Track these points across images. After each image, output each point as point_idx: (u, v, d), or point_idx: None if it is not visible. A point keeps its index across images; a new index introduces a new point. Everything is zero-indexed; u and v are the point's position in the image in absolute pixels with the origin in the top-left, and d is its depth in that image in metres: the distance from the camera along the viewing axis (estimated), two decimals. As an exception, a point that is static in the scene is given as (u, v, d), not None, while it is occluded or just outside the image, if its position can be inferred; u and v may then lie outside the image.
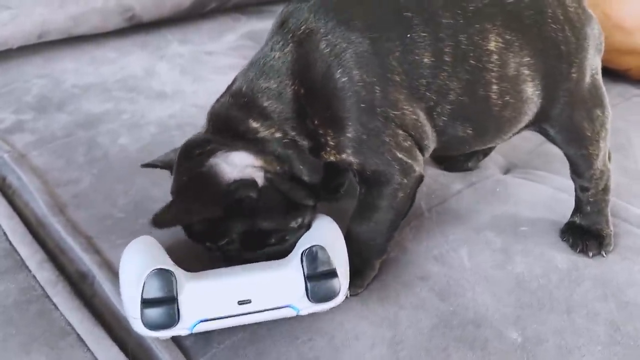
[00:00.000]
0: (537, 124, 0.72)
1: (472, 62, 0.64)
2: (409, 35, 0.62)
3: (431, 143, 0.68)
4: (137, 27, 1.23)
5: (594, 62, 0.71)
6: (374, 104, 0.62)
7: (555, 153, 0.82)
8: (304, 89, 0.63)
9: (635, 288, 0.68)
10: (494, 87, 0.66)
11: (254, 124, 0.63)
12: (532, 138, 0.98)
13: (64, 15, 1.08)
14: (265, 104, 0.63)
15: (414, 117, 0.64)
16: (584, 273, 0.70)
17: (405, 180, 0.65)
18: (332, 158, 0.64)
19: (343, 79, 0.61)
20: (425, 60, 0.63)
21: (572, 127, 0.71)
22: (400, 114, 0.63)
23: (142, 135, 0.92)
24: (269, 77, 0.64)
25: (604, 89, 0.73)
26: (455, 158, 0.88)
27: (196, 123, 0.94)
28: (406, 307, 0.64)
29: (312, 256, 0.58)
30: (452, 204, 0.81)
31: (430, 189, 0.84)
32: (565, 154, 0.75)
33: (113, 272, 0.67)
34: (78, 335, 0.60)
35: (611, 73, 1.21)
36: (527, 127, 0.73)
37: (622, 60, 1.14)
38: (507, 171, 0.92)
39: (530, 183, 0.86)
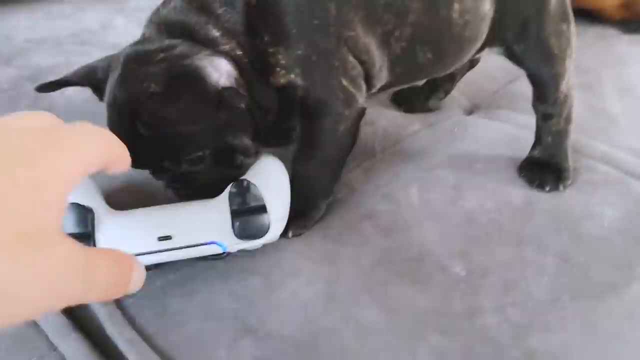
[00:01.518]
0: (503, 43, 0.69)
1: None
2: None
3: (382, 74, 0.65)
4: (94, -19, 1.19)
5: None
6: (328, 22, 0.59)
7: (521, 92, 0.79)
8: None
9: (590, 220, 0.66)
10: (456, 5, 0.63)
11: (215, 33, 0.58)
12: (498, 78, 0.95)
13: (13, -32, 1.04)
14: (220, 11, 0.58)
15: (367, 41, 0.61)
16: (538, 207, 0.67)
17: (347, 112, 0.62)
18: (281, 80, 0.60)
19: None
20: None
21: (539, 44, 0.68)
22: (354, 35, 0.60)
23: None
24: None
25: (568, 3, 0.70)
26: (414, 98, 0.85)
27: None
28: (348, 245, 0.62)
29: (239, 191, 0.56)
30: (407, 144, 0.78)
31: (386, 131, 0.80)
32: (531, 75, 0.72)
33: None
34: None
35: (586, 14, 1.18)
36: (491, 46, 0.70)
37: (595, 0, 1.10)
38: (470, 112, 0.89)
39: (491, 122, 0.83)
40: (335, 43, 0.60)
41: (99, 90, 0.59)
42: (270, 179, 0.60)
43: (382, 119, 0.82)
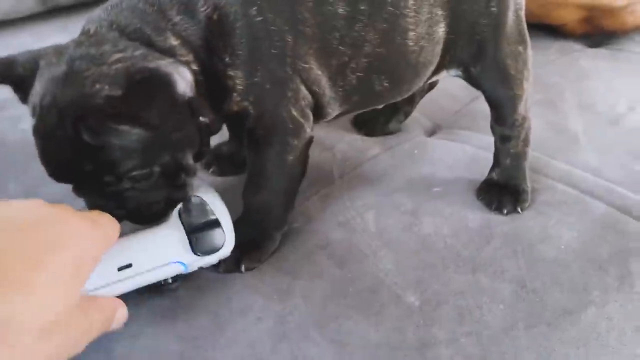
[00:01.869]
0: (460, 65, 0.69)
1: (389, 8, 0.60)
2: None
3: (335, 103, 0.64)
4: (55, 12, 1.18)
5: None
6: (285, 53, 0.58)
7: (482, 111, 0.78)
8: (217, 15, 0.55)
9: (547, 243, 0.65)
10: (411, 33, 0.63)
11: (173, 41, 0.54)
12: (460, 97, 0.95)
13: (-30, 0, 1.03)
14: (176, 18, 0.55)
15: (319, 72, 0.60)
16: (495, 231, 0.67)
17: (295, 142, 0.61)
18: (234, 107, 0.58)
19: (258, 18, 0.56)
20: (340, 10, 0.59)
21: (496, 65, 0.68)
22: (307, 67, 0.59)
23: (46, 119, 0.87)
24: None
25: (525, 25, 0.70)
26: (375, 121, 0.85)
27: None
28: (302, 277, 0.60)
29: (190, 208, 0.56)
30: (366, 169, 0.77)
31: (345, 155, 0.80)
32: (488, 97, 0.71)
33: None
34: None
35: (549, 29, 1.18)
36: (448, 69, 0.70)
37: (557, 14, 1.10)
38: (432, 133, 0.88)
39: (451, 143, 0.83)
40: (290, 73, 0.59)
41: (20, 89, 0.54)
42: (214, 199, 0.59)
43: (342, 143, 0.81)
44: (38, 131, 0.51)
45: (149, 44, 0.53)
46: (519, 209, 0.69)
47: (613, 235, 0.66)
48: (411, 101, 0.84)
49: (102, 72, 0.49)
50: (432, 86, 0.85)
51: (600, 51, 1.16)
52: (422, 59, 0.65)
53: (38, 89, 0.51)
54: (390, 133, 0.85)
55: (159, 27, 0.54)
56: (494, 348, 0.53)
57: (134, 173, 0.52)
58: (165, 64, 0.51)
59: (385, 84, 0.65)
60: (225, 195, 0.61)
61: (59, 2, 1.16)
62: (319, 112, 0.64)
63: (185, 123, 0.53)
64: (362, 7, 0.59)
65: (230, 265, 0.61)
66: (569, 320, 0.56)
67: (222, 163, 0.77)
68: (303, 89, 0.60)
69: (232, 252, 0.62)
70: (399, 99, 0.72)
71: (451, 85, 0.90)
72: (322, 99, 0.62)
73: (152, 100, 0.49)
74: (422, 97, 0.85)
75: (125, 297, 0.56)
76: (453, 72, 0.70)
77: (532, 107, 0.80)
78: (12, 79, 0.54)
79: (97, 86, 0.48)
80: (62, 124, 0.49)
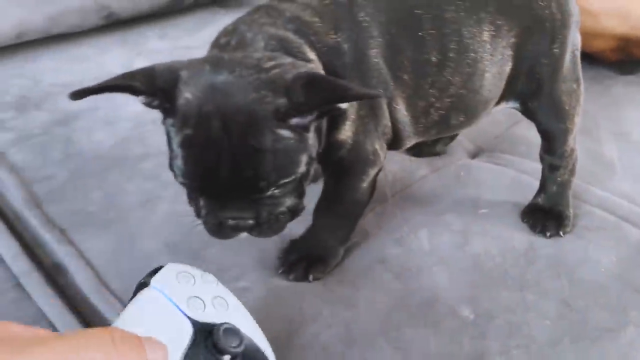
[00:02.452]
0: (518, 98, 0.74)
1: (472, 54, 0.66)
2: (420, 34, 0.64)
3: (413, 137, 0.70)
4: (115, 25, 1.25)
5: (575, 38, 0.74)
6: (386, 94, 0.64)
7: (522, 136, 0.85)
8: (347, 45, 0.61)
9: (587, 266, 0.71)
10: (487, 74, 0.69)
11: (311, 55, 0.59)
12: (501, 122, 1.01)
13: (41, 16, 1.10)
14: (318, 45, 0.60)
15: (405, 113, 0.67)
16: (539, 253, 0.72)
17: (372, 172, 0.67)
18: (341, 136, 0.63)
19: (375, 60, 0.63)
20: (433, 58, 0.65)
21: (552, 101, 0.73)
22: (398, 108, 0.66)
23: (117, 131, 0.94)
24: (324, 19, 0.61)
25: (580, 64, 0.75)
26: (422, 143, 0.90)
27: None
28: (364, 289, 0.67)
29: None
30: (415, 189, 0.83)
31: (396, 176, 0.86)
32: (542, 129, 0.76)
33: (86, 262, 0.70)
34: (50, 321, 0.63)
35: (584, 56, 1.23)
36: (507, 101, 0.75)
37: (592, 43, 1.16)
38: (474, 156, 0.94)
39: (494, 167, 0.89)
40: (384, 111, 0.65)
41: (162, 100, 0.54)
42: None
43: (392, 163, 0.88)
44: (196, 140, 0.52)
45: (291, 54, 0.57)
46: (562, 233, 0.75)
47: (648, 260, 0.72)
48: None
49: (262, 78, 0.52)
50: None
51: (632, 79, 1.21)
52: (492, 95, 0.71)
53: (191, 98, 0.52)
54: (437, 154, 0.91)
55: (298, 40, 0.59)
56: (542, 358, 0.59)
57: (285, 180, 0.54)
58: (316, 69, 0.57)
59: (461, 119, 0.71)
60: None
61: (120, 16, 1.23)
62: (396, 145, 0.70)
63: (320, 129, 0.58)
64: (451, 55, 0.65)
65: (299, 275, 0.68)
66: (609, 337, 0.62)
67: None
68: (389, 125, 0.67)
69: (301, 263, 0.68)
70: (467, 128, 0.77)
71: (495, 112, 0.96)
72: (402, 133, 0.68)
73: (315, 104, 0.53)
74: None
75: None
76: (511, 104, 0.75)
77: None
78: (153, 90, 0.54)
79: (262, 92, 0.52)
80: (228, 131, 0.51)
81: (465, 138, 0.96)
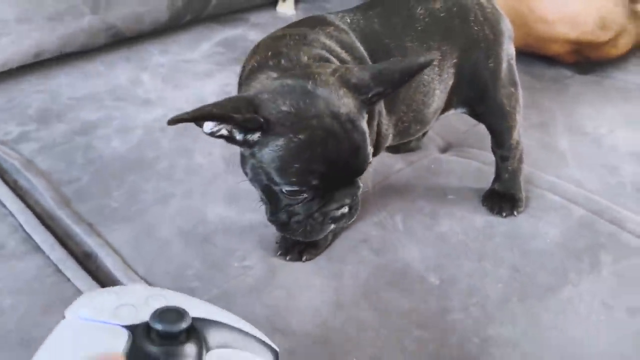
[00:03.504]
0: (466, 105, 0.88)
1: (426, 77, 0.80)
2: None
3: (385, 143, 0.84)
4: (121, 42, 1.37)
5: (509, 50, 0.87)
6: (379, 108, 0.77)
7: (485, 133, 0.97)
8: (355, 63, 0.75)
9: (536, 239, 0.84)
10: (437, 91, 0.82)
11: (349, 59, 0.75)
12: (468, 120, 1.14)
13: (56, 37, 1.23)
14: (342, 54, 0.74)
15: (386, 125, 0.80)
16: (496, 230, 0.86)
17: None
18: None
19: None
20: None
21: (494, 104, 0.86)
22: (384, 122, 0.79)
23: (131, 138, 1.07)
24: (337, 44, 0.74)
25: (516, 70, 0.89)
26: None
27: (177, 126, 1.10)
28: (349, 263, 0.80)
29: None
30: (393, 180, 0.97)
31: (377, 170, 0.99)
32: (489, 128, 0.90)
33: (113, 250, 0.83)
34: (87, 298, 0.75)
35: (545, 58, 1.37)
36: (457, 108, 0.89)
37: (549, 47, 1.30)
38: (444, 150, 1.07)
39: (461, 159, 1.02)
40: (374, 125, 0.77)
41: (252, 123, 0.63)
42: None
43: (373, 160, 1.00)
44: (313, 140, 0.62)
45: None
46: (515, 213, 0.89)
47: (588, 233, 0.85)
48: (428, 126, 1.04)
49: (335, 79, 0.65)
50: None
51: (589, 78, 1.35)
52: (439, 106, 0.85)
53: (290, 109, 0.62)
54: (412, 150, 1.04)
55: (327, 56, 0.71)
56: (495, 314, 0.72)
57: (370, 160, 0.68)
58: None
59: (418, 128, 0.85)
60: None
61: (125, 34, 1.35)
62: (375, 151, 0.81)
63: None
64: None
65: (294, 256, 0.81)
66: (551, 295, 0.75)
67: None
68: (374, 135, 0.79)
69: (296, 247, 0.81)
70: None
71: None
72: (383, 141, 0.81)
73: (385, 89, 0.66)
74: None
75: (219, 276, 0.76)
76: (460, 109, 0.89)
77: (527, 129, 1.00)
78: (251, 118, 0.62)
79: (343, 89, 0.65)
80: (341, 125, 0.63)
81: (436, 135, 1.09)
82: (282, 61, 0.69)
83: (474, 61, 0.82)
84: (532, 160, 0.99)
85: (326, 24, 0.76)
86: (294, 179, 0.65)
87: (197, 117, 0.62)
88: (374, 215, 0.88)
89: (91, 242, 0.84)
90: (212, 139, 0.97)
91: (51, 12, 1.21)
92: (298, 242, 0.82)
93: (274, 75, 0.67)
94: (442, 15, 0.80)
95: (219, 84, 1.26)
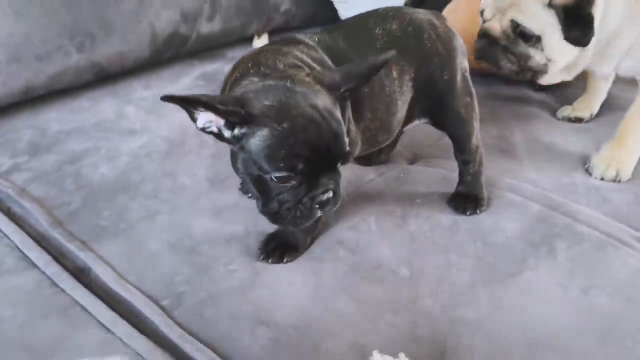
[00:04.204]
0: (427, 115, 0.97)
1: (387, 88, 0.88)
2: None
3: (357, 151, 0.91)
4: (106, 79, 1.45)
5: (463, 64, 0.96)
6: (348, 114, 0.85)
7: (449, 144, 1.06)
8: None
9: (498, 232, 0.92)
10: (399, 102, 0.90)
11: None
12: (432, 135, 1.23)
13: (44, 75, 1.30)
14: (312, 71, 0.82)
15: (355, 131, 0.87)
16: (461, 226, 0.93)
17: None
18: None
19: None
20: (366, 89, 0.85)
21: (452, 113, 0.95)
22: (352, 129, 0.86)
23: (118, 164, 1.13)
24: (309, 58, 0.82)
25: (470, 82, 0.98)
26: (369, 154, 1.11)
27: (161, 150, 1.17)
28: (327, 262, 0.86)
29: None
30: (365, 189, 1.04)
31: (349, 180, 1.06)
32: (450, 135, 0.98)
33: (105, 262, 0.88)
34: (82, 306, 0.80)
35: (502, 78, 1.48)
36: (420, 118, 0.97)
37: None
38: (412, 162, 1.16)
39: (428, 168, 1.10)
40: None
41: (238, 116, 0.70)
42: None
43: (345, 171, 1.07)
44: (298, 128, 0.70)
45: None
46: (478, 211, 0.96)
47: (544, 225, 0.93)
48: (395, 140, 1.12)
49: (310, 78, 0.74)
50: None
51: (543, 95, 1.46)
52: (401, 117, 0.93)
53: (272, 104, 0.70)
54: (382, 163, 1.12)
55: (301, 64, 0.79)
56: (461, 298, 0.79)
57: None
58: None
59: (385, 137, 0.93)
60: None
61: (109, 71, 1.43)
62: None
63: None
64: (375, 87, 0.87)
65: (276, 258, 0.87)
66: (512, 280, 0.82)
67: None
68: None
69: (277, 249, 0.88)
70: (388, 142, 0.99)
71: (425, 126, 1.18)
72: (352, 147, 0.88)
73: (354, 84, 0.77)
74: (400, 136, 1.13)
75: (207, 280, 0.82)
76: (423, 120, 0.98)
77: (488, 140, 1.09)
78: (234, 111, 0.70)
79: (317, 86, 0.73)
80: (322, 114, 0.71)
81: (404, 149, 1.18)
82: (262, 68, 0.77)
83: (430, 74, 0.91)
84: (492, 166, 1.07)
85: (297, 41, 0.84)
86: (281, 164, 0.71)
87: (186, 100, 0.69)
88: (348, 220, 0.95)
89: (84, 257, 0.90)
90: (198, 161, 1.05)
91: (40, 52, 1.28)
92: (278, 245, 0.88)
93: (256, 79, 0.75)
94: (398, 34, 0.90)
95: (200, 113, 1.33)
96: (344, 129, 0.75)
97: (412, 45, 0.90)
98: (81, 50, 1.34)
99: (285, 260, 0.87)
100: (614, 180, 1.08)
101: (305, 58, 0.81)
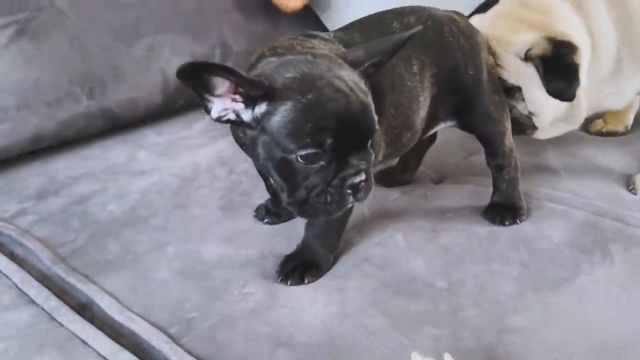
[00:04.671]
0: (454, 117, 0.89)
1: (407, 82, 0.82)
2: None
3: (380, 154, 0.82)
4: (118, 127, 1.42)
5: (489, 60, 0.90)
6: None
7: (478, 163, 0.99)
8: None
9: (542, 240, 0.82)
10: (421, 98, 0.83)
11: None
12: (459, 153, 1.16)
13: (54, 122, 1.27)
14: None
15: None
16: (500, 236, 0.84)
17: None
18: None
19: None
20: (388, 83, 0.80)
21: (481, 112, 0.88)
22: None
23: (127, 201, 1.07)
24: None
25: (497, 80, 0.91)
26: (391, 175, 1.04)
27: (172, 187, 1.12)
28: (352, 279, 0.77)
29: None
30: (390, 207, 0.96)
31: (372, 201, 0.98)
32: (480, 137, 0.91)
33: (109, 294, 0.80)
34: (80, 339, 0.72)
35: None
36: (446, 121, 0.90)
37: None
38: (438, 182, 1.08)
39: (455, 185, 1.02)
40: None
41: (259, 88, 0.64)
42: None
43: (368, 193, 1.01)
44: (324, 98, 0.63)
45: None
46: (518, 221, 0.87)
47: (594, 231, 0.84)
48: (418, 157, 1.05)
49: (334, 55, 0.69)
50: (431, 142, 1.05)
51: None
52: (425, 114, 0.86)
53: (295, 76, 0.64)
54: (405, 183, 1.04)
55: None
56: (509, 305, 0.69)
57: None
58: None
59: (409, 135, 0.85)
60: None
61: (121, 119, 1.41)
62: None
63: None
64: (396, 81, 0.81)
65: (296, 280, 0.78)
66: (566, 284, 0.72)
67: (272, 216, 0.95)
68: None
69: (296, 269, 0.79)
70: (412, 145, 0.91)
71: (450, 145, 1.12)
72: (378, 147, 0.80)
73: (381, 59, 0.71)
74: (425, 151, 1.05)
75: (219, 304, 0.73)
76: (449, 122, 0.91)
77: (521, 155, 1.00)
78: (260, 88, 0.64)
79: (340, 60, 0.68)
80: (349, 86, 0.65)
81: (428, 169, 1.10)
82: (278, 50, 0.72)
83: (453, 69, 0.85)
84: (526, 179, 0.99)
85: (312, 36, 0.79)
86: (308, 140, 0.64)
87: (207, 66, 0.62)
88: (373, 237, 0.87)
89: (86, 290, 0.82)
90: (210, 193, 0.98)
91: (50, 98, 1.26)
92: (298, 265, 0.79)
93: (273, 59, 0.70)
94: None
95: (214, 151, 1.28)
96: (372, 102, 0.68)
97: (432, 38, 0.85)
98: (92, 97, 1.32)
99: (306, 280, 0.78)
100: (659, 198, 0.97)
101: (322, 45, 0.76)
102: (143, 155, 1.32)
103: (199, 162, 1.24)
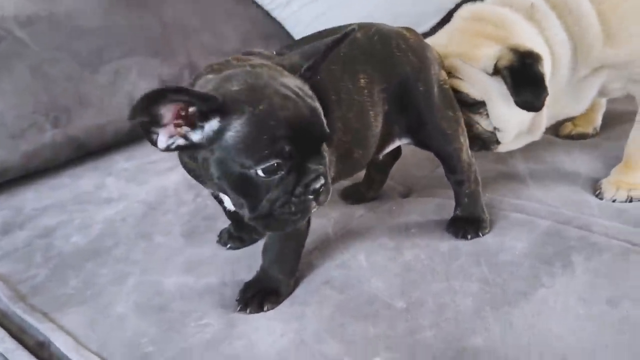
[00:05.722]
0: (407, 134, 0.88)
1: (355, 97, 0.81)
2: (318, 78, 0.77)
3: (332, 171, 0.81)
4: (87, 155, 1.41)
5: (440, 75, 0.89)
6: None
7: (444, 174, 0.97)
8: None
9: (504, 252, 0.81)
10: (371, 113, 0.82)
11: None
12: (426, 166, 1.15)
13: (19, 154, 1.26)
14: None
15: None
16: (462, 250, 0.83)
17: None
18: None
19: None
20: (333, 97, 0.79)
21: (435, 129, 0.87)
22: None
23: (91, 232, 1.05)
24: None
25: (452, 94, 0.90)
26: (357, 191, 1.03)
27: (137, 214, 1.10)
28: (311, 305, 0.76)
29: None
30: (354, 226, 0.94)
31: (337, 219, 0.97)
32: (437, 154, 0.89)
33: (65, 332, 0.78)
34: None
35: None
36: (401, 138, 0.89)
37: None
38: (405, 195, 1.06)
39: (421, 199, 1.01)
40: None
41: (208, 105, 0.63)
42: None
43: (334, 211, 0.99)
44: (275, 108, 0.63)
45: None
46: (481, 234, 0.86)
47: (556, 239, 0.82)
48: (383, 174, 1.04)
49: (275, 64, 0.70)
50: (396, 158, 1.04)
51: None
52: (378, 131, 0.84)
53: (241, 88, 0.64)
54: (372, 199, 1.03)
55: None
56: (467, 325, 0.67)
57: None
58: None
59: (361, 152, 0.83)
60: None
61: (89, 147, 1.39)
62: None
63: None
64: (342, 95, 0.80)
65: (254, 308, 0.76)
66: (524, 300, 0.71)
67: (235, 241, 0.94)
68: None
69: (255, 296, 0.77)
70: (365, 165, 0.90)
71: (417, 158, 1.11)
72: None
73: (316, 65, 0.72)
74: (391, 167, 1.04)
75: (176, 338, 0.71)
76: (404, 140, 0.89)
77: (485, 164, 0.99)
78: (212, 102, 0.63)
79: (278, 68, 0.69)
80: (298, 95, 0.65)
81: (396, 183, 1.09)
82: (214, 67, 0.70)
83: (402, 84, 0.84)
84: (492, 188, 0.98)
85: (252, 53, 0.78)
86: (265, 152, 0.63)
87: (159, 94, 0.60)
88: (336, 258, 0.85)
89: (43, 329, 0.80)
90: (174, 219, 0.97)
91: (13, 130, 1.25)
92: (257, 292, 0.78)
93: (211, 76, 0.68)
94: (363, 42, 0.84)
95: (182, 175, 1.26)
96: (319, 105, 0.67)
97: (379, 52, 0.84)
98: (57, 126, 1.31)
99: (265, 308, 0.76)
100: (626, 201, 0.96)
101: (262, 61, 0.75)
102: (111, 182, 1.30)
103: (167, 186, 1.22)
